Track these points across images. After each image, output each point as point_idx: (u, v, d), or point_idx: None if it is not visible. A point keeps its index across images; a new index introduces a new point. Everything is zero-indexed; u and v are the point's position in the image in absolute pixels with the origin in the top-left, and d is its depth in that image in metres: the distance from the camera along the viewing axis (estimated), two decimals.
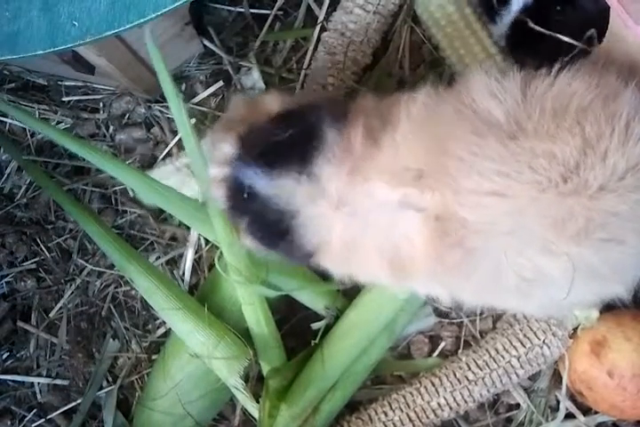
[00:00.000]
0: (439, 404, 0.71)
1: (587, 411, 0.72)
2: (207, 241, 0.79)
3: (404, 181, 0.51)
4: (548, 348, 0.70)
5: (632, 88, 0.51)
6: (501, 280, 0.51)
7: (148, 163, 0.83)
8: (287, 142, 0.55)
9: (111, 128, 0.84)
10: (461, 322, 0.75)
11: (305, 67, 0.80)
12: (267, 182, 0.54)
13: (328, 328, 0.71)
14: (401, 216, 0.52)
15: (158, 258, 0.80)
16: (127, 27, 0.56)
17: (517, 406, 0.74)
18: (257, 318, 0.69)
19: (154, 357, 0.78)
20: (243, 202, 0.57)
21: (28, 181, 0.85)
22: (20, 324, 0.82)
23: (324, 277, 0.71)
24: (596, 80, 0.52)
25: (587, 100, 0.50)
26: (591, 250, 0.49)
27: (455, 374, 0.71)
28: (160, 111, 0.83)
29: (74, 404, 0.79)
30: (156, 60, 0.60)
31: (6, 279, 0.83)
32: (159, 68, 0.60)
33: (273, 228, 0.56)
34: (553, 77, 0.52)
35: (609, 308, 0.67)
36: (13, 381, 0.81)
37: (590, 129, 0.49)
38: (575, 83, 0.51)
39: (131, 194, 0.83)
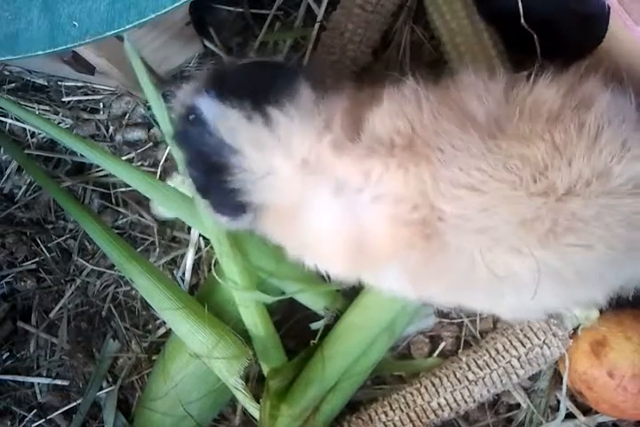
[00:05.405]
0: (439, 404, 0.71)
1: (587, 411, 0.72)
2: (207, 241, 0.79)
3: (377, 156, 0.50)
4: (549, 348, 0.70)
5: (609, 94, 0.52)
6: (474, 276, 0.51)
7: (149, 163, 0.83)
8: (253, 78, 0.54)
9: (111, 128, 0.84)
10: (462, 322, 0.75)
11: None
12: (213, 105, 0.52)
13: (328, 329, 0.71)
14: (369, 195, 0.51)
15: (159, 258, 0.80)
16: (127, 27, 0.56)
17: (517, 406, 0.74)
18: (254, 321, 0.69)
19: (154, 357, 0.78)
20: (188, 128, 0.55)
21: (28, 182, 0.85)
22: (21, 324, 0.82)
23: (323, 277, 0.71)
24: (570, 87, 0.52)
25: (557, 106, 0.51)
26: (557, 254, 0.50)
27: (455, 375, 0.71)
28: None
29: (74, 404, 0.79)
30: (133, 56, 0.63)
31: (6, 279, 0.83)
32: (135, 63, 0.63)
33: (210, 160, 0.53)
34: (532, 83, 0.53)
35: (609, 307, 0.67)
36: (13, 381, 0.81)
37: (558, 135, 0.49)
38: (549, 90, 0.52)
39: (132, 194, 0.83)
